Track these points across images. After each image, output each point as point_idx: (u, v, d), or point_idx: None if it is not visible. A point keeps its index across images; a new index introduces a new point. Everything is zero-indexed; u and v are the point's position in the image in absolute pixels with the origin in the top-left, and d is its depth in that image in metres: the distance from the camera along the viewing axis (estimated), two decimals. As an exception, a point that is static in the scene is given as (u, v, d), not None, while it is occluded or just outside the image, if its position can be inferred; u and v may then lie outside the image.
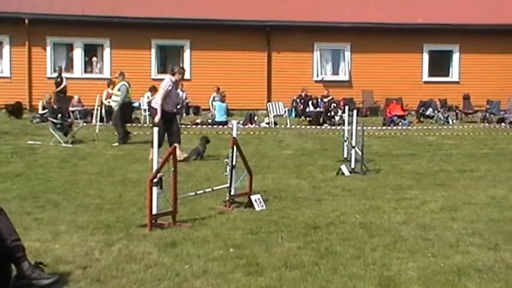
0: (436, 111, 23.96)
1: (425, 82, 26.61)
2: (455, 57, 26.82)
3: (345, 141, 12.22)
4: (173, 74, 12.06)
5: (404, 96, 24.79)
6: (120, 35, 25.16)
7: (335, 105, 23.12)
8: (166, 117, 11.93)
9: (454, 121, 23.35)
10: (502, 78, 25.41)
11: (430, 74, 26.78)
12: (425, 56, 26.75)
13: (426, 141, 16.97)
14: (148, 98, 21.95)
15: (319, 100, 23.75)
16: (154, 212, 6.70)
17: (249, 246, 6.10)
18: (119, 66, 25.28)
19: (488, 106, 24.15)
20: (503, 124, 22.44)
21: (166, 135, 11.95)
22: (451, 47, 26.77)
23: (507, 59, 26.13)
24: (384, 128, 21.03)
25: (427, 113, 24.15)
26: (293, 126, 21.15)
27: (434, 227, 6.96)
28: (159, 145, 7.77)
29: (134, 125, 20.15)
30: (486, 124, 22.79)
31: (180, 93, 22.92)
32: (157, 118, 11.76)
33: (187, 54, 26.03)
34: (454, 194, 9.01)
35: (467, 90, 25.08)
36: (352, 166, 11.01)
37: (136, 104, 22.73)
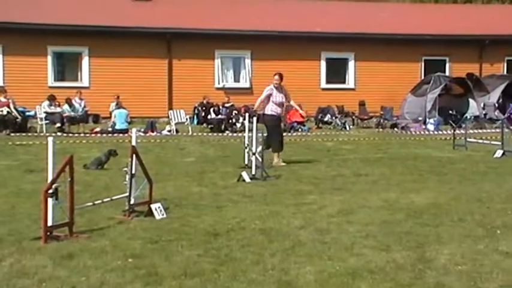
0: (334, 118, 24.65)
1: (323, 89, 27.31)
2: (351, 64, 27.70)
3: (246, 148, 12.33)
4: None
5: (303, 102, 25.24)
6: (13, 41, 24.26)
7: (236, 112, 23.29)
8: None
9: (351, 127, 24.11)
10: (395, 85, 26.48)
11: (328, 81, 27.52)
12: (323, 64, 27.46)
13: (324, 147, 17.41)
14: (45, 107, 21.31)
15: (220, 107, 23.87)
16: (49, 223, 6.50)
17: (148, 255, 6.04)
18: (13, 74, 24.44)
19: (382, 112, 25.14)
20: (396, 129, 23.41)
21: None
22: (347, 55, 27.63)
23: (399, 67, 27.27)
24: (284, 134, 21.35)
25: (326, 119, 24.81)
26: (195, 134, 21.13)
27: (331, 230, 7.16)
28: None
29: (30, 134, 19.46)
30: (380, 129, 23.69)
31: (79, 102, 22.44)
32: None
33: (85, 61, 25.45)
34: (350, 198, 9.28)
35: (362, 97, 26.00)
36: (253, 172, 11.13)
37: (31, 113, 21.99)
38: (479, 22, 30.04)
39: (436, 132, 22.00)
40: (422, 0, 47.55)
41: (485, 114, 24.58)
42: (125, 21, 25.67)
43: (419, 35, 27.66)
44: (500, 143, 15.01)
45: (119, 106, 22.70)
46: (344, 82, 27.89)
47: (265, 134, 12.77)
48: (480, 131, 21.29)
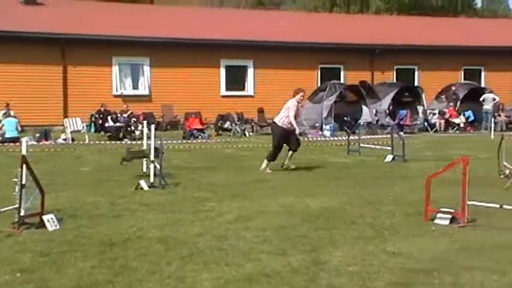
0: (233, 125, 24.82)
1: (223, 96, 27.48)
2: (250, 72, 28.03)
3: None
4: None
5: (203, 110, 25.38)
6: None
7: (135, 119, 22.99)
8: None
9: (250, 134, 24.36)
10: (292, 92, 26.93)
11: (228, 89, 27.71)
12: (223, 71, 27.63)
13: (224, 154, 17.50)
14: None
15: (118, 115, 23.47)
16: None
17: (38, 269, 5.85)
18: None
19: (281, 119, 25.54)
20: (295, 136, 23.83)
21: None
22: (246, 63, 27.94)
23: (297, 74, 27.84)
24: (184, 141, 21.33)
25: (225, 126, 24.93)
26: (92, 142, 20.65)
27: (229, 237, 7.21)
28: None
29: None
30: (279, 136, 24.03)
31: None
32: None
33: (-26, 67, 24.35)
34: (248, 204, 9.37)
35: (261, 104, 26.35)
36: (151, 180, 11.02)
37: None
38: (371, 32, 31.24)
39: (332, 138, 22.62)
40: (317, 9, 48.86)
41: (377, 121, 25.54)
42: (16, 26, 24.79)
43: (316, 44, 28.40)
44: (390, 148, 15.63)
45: (7, 114, 21.82)
46: (243, 89, 28.17)
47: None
48: (372, 136, 22.09)
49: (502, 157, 11.96)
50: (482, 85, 29.64)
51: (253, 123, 25.70)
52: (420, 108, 26.99)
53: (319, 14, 43.45)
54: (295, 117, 13.54)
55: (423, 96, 27.29)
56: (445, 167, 8.54)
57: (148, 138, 12.11)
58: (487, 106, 26.18)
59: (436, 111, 26.65)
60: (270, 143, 20.62)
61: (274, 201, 9.58)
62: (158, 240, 7.01)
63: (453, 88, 27.87)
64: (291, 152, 13.70)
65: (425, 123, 26.23)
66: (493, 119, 24.76)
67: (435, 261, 6.13)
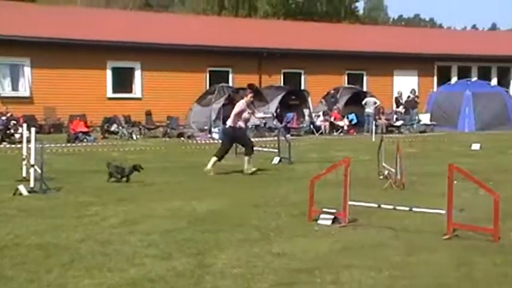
0: (120, 127, 24.34)
1: (110, 98, 26.86)
2: (138, 74, 27.60)
3: (24, 159, 11.69)
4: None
5: (88, 112, 24.69)
6: None
7: (15, 122, 22.00)
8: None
9: (138, 136, 23.99)
10: (181, 95, 26.88)
11: (114, 91, 27.13)
12: (109, 73, 27.03)
13: (110, 157, 17.06)
14: None
15: (-3, 117, 22.36)
16: None
17: None
18: None
19: (168, 121, 25.39)
20: (182, 138, 23.78)
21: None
22: (133, 65, 27.48)
23: (185, 77, 27.73)
24: (69, 144, 20.68)
25: (112, 129, 24.40)
26: (-32, 146, 19.58)
27: (113, 241, 7.05)
28: None
29: None
30: (167, 139, 23.89)
31: None
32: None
33: None
34: (134, 208, 9.22)
35: (149, 107, 26.01)
36: (32, 185, 10.58)
37: None
38: (259, 35, 31.68)
39: (220, 141, 22.63)
40: (206, 12, 48.96)
41: (264, 123, 25.91)
42: None
43: (204, 46, 28.39)
44: (277, 151, 15.91)
45: None
46: (131, 91, 27.68)
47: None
48: (260, 139, 22.38)
49: (382, 158, 12.48)
50: (365, 89, 30.78)
51: (141, 126, 25.32)
52: (306, 111, 27.66)
53: (207, 17, 43.52)
54: (245, 119, 13.75)
55: (309, 99, 27.98)
56: (328, 168, 8.80)
57: (29, 141, 11.62)
58: (369, 109, 27.24)
59: (321, 114, 27.42)
60: (157, 145, 20.58)
61: (160, 204, 9.48)
62: (37, 247, 6.74)
63: (332, 92, 28.79)
64: (247, 157, 13.63)
65: (311, 126, 26.91)
66: (374, 122, 25.81)
67: (317, 261, 6.29)
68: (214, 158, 13.51)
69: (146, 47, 27.31)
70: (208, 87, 27.76)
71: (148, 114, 25.80)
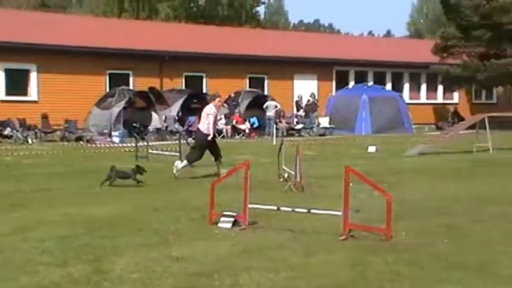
0: (14, 131, 23.42)
1: (3, 101, 25.78)
2: (33, 76, 26.63)
3: None
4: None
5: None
6: None
7: None
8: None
9: (34, 140, 23.16)
10: (80, 98, 26.18)
11: (8, 93, 26.05)
12: (2, 75, 25.93)
13: (3, 162, 16.42)
14: None
15: None
16: None
17: None
18: None
19: (66, 125, 24.69)
20: (81, 142, 23.18)
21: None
22: (29, 66, 26.50)
23: (84, 80, 27.04)
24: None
25: (6, 132, 23.44)
26: None
27: (4, 249, 6.78)
28: None
29: None
30: (65, 142, 23.22)
31: None
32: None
33: None
34: (28, 214, 8.91)
35: (45, 110, 25.17)
36: None
37: None
38: (160, 38, 31.39)
39: (121, 145, 22.30)
40: (105, 14, 47.99)
41: (166, 127, 25.71)
42: None
43: (103, 49, 27.81)
44: (178, 154, 15.82)
45: None
46: (26, 94, 26.66)
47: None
48: (162, 142, 22.19)
49: (282, 161, 12.67)
50: (266, 93, 31.15)
51: (37, 130, 24.44)
52: (208, 115, 27.63)
53: (107, 19, 42.66)
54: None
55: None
56: (228, 171, 8.84)
57: None
58: (270, 113, 27.61)
59: (223, 118, 27.50)
60: (55, 149, 19.94)
61: (57, 210, 9.20)
62: None
63: (233, 95, 28.99)
64: (217, 162, 13.55)
65: (213, 130, 26.92)
66: (275, 125, 26.20)
67: (217, 264, 6.29)
68: (185, 162, 13.35)
69: (42, 48, 26.43)
70: (108, 90, 27.21)
71: (45, 117, 24.98)
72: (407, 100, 33.35)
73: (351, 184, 7.87)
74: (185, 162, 13.40)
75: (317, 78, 33.48)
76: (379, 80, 34.46)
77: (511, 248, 6.98)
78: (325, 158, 18.01)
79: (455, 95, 37.12)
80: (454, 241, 7.33)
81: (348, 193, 7.59)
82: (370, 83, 33.06)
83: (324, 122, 29.78)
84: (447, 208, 9.56)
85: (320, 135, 27.91)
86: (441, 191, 11.50)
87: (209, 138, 13.33)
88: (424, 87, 36.66)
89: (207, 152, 13.67)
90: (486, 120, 20.15)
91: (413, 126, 30.58)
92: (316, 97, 30.93)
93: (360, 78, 34.16)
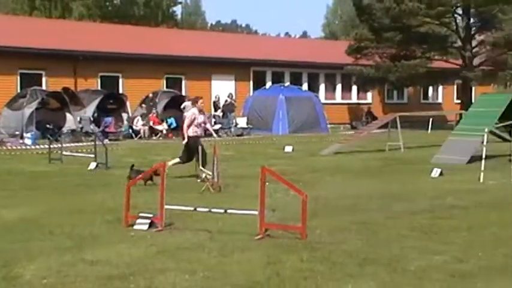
0: None
1: None
2: None
3: None
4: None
5: None
6: None
7: None
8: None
9: None
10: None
11: None
12: None
13: None
14: None
15: None
16: None
17: None
18: None
19: (-25, 127, 23.73)
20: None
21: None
22: None
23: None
24: None
25: None
26: None
27: None
28: None
29: None
30: (-26, 145, 22.32)
31: None
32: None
33: None
34: None
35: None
36: None
37: None
38: (74, 38, 30.64)
39: (33, 147, 21.64)
40: (15, 12, 46.43)
41: (81, 128, 25.14)
42: None
43: (14, 48, 26.90)
44: (94, 156, 15.52)
45: None
46: None
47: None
48: (77, 144, 21.68)
49: (199, 162, 12.66)
50: (183, 93, 30.97)
51: None
52: (125, 116, 27.27)
53: (17, 17, 41.29)
54: (201, 124, 13.53)
55: (127, 103, 27.61)
56: (144, 173, 8.75)
57: None
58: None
59: (140, 118, 27.18)
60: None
61: (-37, 215, 8.83)
62: None
63: (150, 95, 28.71)
64: (177, 160, 13.46)
65: (130, 130, 26.57)
66: (192, 126, 26.07)
67: (132, 266, 6.22)
68: (201, 167, 12.84)
69: None
70: (19, 91, 26.32)
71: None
72: (323, 100, 33.94)
73: (267, 184, 7.97)
74: (177, 160, 13.44)
75: (234, 79, 33.60)
76: (296, 81, 34.96)
77: (418, 243, 7.26)
78: (242, 158, 18.13)
79: (369, 95, 38.15)
80: (366, 237, 7.55)
81: (264, 193, 7.67)
82: (287, 84, 33.46)
83: (242, 122, 29.93)
84: (360, 205, 9.84)
85: (238, 136, 28.03)
86: (355, 189, 11.81)
87: (184, 141, 13.41)
88: (339, 87, 37.47)
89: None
90: (397, 119, 20.84)
91: (329, 125, 31.21)
92: (234, 97, 31.04)
93: (277, 79, 34.54)
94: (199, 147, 13.01)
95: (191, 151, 13.33)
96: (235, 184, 12.06)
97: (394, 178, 13.44)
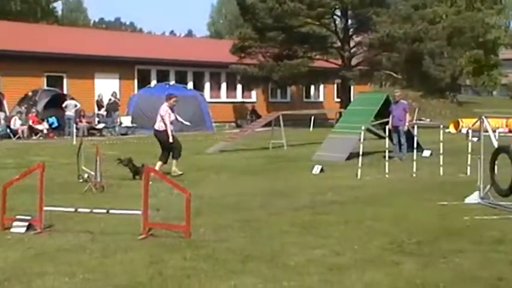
0: None
1: None
2: None
3: None
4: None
5: None
6: None
7: None
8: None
9: None
10: None
11: None
12: None
13: None
14: None
15: None
16: None
17: None
18: None
19: None
20: None
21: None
22: None
23: None
24: None
25: None
26: None
27: None
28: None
29: None
30: None
31: None
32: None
33: None
34: None
35: None
36: None
37: None
38: None
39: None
40: None
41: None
42: None
43: None
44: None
45: None
46: None
47: None
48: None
49: (81, 162, 12.36)
50: (65, 92, 30.03)
51: None
52: (2, 115, 26.10)
53: None
54: (173, 122, 13.91)
55: (5, 102, 26.45)
56: (21, 174, 8.44)
57: None
58: (69, 112, 26.72)
59: (17, 118, 26.11)
60: None
61: None
62: None
63: (30, 94, 27.66)
64: (174, 161, 13.65)
65: (8, 130, 25.47)
66: (75, 125, 25.41)
67: (8, 271, 5.99)
68: (174, 162, 13.63)
69: None
70: None
71: None
72: (208, 99, 34.08)
73: (151, 183, 7.93)
74: (174, 161, 13.66)
75: (119, 77, 33.01)
76: (181, 79, 34.85)
77: (299, 238, 7.48)
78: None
79: (253, 93, 38.69)
80: (250, 234, 7.69)
81: (148, 192, 7.63)
82: (172, 82, 33.31)
83: (126, 121, 29.47)
84: (244, 203, 9.99)
85: (122, 135, 27.59)
86: (239, 186, 11.98)
87: (170, 139, 13.68)
88: (224, 86, 37.74)
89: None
90: (281, 118, 21.32)
91: (214, 124, 31.39)
92: (118, 96, 30.51)
93: (162, 77, 34.29)
94: (174, 142, 13.70)
95: (166, 146, 13.79)
96: (118, 184, 11.90)
97: (277, 175, 13.75)
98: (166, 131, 13.67)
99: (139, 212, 7.62)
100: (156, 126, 13.99)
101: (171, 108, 14.00)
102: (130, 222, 7.88)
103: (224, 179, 13.37)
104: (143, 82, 33.51)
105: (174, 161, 13.68)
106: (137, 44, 38.35)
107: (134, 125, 29.19)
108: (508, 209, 8.94)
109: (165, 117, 13.70)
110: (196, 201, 9.38)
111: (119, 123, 28.95)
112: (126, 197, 10.24)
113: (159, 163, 13.50)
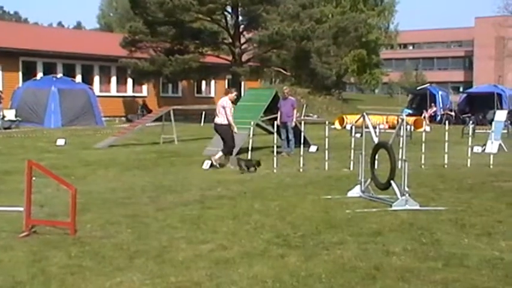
0: None
1: None
2: None
3: None
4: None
5: None
6: None
7: None
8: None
9: None
10: None
11: None
12: None
13: None
14: None
15: None
16: None
17: None
18: None
19: None
20: None
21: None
22: None
23: None
24: None
25: None
26: None
27: None
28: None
29: None
30: None
31: None
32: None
33: None
34: None
35: None
36: None
37: None
38: None
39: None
40: None
41: None
42: None
43: None
44: None
45: None
46: None
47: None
48: None
49: None
50: None
51: None
52: None
53: None
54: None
55: None
56: None
57: None
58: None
59: None
60: None
61: None
62: None
63: None
64: (222, 153, 14.25)
65: None
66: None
67: None
68: (220, 153, 14.28)
69: None
70: None
71: None
72: (97, 93, 33.35)
73: (35, 178, 7.70)
74: (220, 153, 14.22)
75: (2, 69, 31.65)
76: (69, 72, 33.86)
77: (187, 233, 7.50)
78: (9, 152, 17.18)
79: (144, 88, 38.27)
80: (138, 230, 7.63)
81: (31, 188, 7.40)
82: (60, 75, 32.28)
83: (10, 114, 28.27)
84: (133, 198, 9.90)
85: (5, 129, 26.43)
86: (128, 182, 11.85)
87: (235, 129, 14.31)
88: (114, 80, 37.06)
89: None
90: (171, 112, 21.23)
91: (104, 118, 30.76)
92: (1, 88, 29.22)
93: (49, 70, 33.16)
94: (230, 136, 14.30)
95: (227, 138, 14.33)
96: (1, 180, 11.43)
97: (168, 170, 13.71)
98: (226, 124, 14.27)
99: (21, 209, 7.38)
100: (218, 120, 14.44)
101: (232, 102, 14.78)
102: (11, 219, 7.64)
103: (113, 174, 13.16)
104: (28, 74, 32.31)
105: (222, 153, 14.30)
106: (22, 34, 36.87)
107: (18, 118, 28.05)
108: (385, 202, 9.40)
109: (227, 110, 14.21)
110: (84, 197, 9.22)
111: (2, 116, 27.72)
112: (9, 193, 9.89)
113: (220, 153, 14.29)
